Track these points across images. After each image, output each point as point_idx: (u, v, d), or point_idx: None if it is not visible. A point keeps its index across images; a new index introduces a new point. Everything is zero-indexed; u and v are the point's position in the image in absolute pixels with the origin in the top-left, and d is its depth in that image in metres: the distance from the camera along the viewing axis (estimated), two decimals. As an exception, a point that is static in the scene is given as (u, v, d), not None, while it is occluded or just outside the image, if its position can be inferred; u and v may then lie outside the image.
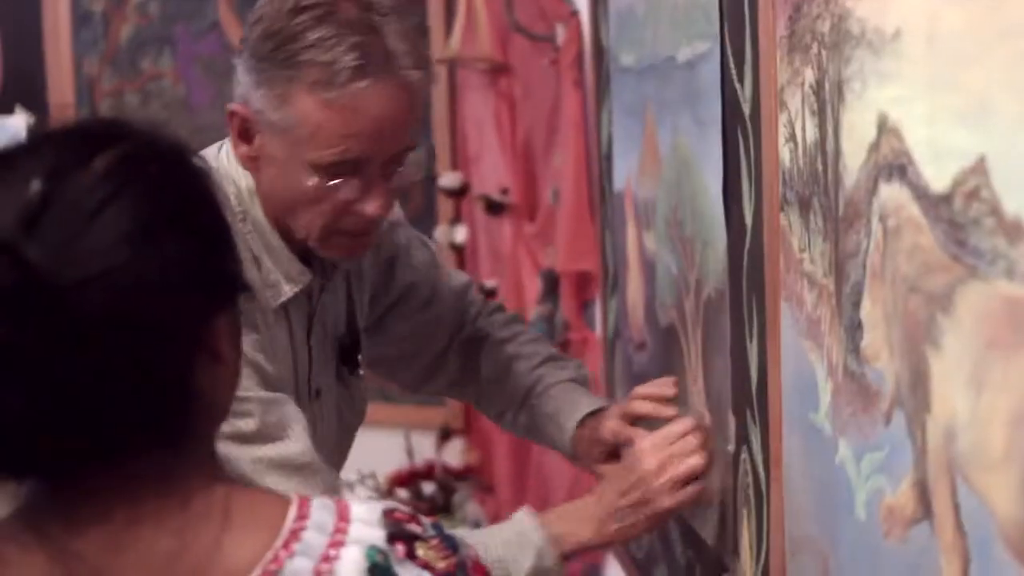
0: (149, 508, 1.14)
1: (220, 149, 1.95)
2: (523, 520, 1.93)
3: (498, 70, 3.88)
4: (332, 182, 1.83)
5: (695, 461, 1.96)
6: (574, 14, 3.08)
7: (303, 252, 1.94)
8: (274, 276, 1.92)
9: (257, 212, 1.91)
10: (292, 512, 1.18)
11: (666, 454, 1.95)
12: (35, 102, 4.69)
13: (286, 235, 1.91)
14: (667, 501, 1.95)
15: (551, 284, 3.36)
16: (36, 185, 1.08)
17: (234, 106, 1.87)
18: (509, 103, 3.84)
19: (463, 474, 4.49)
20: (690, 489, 1.96)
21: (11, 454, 1.11)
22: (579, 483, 3.25)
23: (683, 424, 1.99)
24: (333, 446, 2.08)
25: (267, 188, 1.89)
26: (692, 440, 1.96)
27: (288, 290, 1.93)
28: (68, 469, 1.12)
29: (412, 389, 2.45)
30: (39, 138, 1.16)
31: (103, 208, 1.09)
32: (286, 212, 1.88)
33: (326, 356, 2.06)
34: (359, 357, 2.13)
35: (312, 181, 1.83)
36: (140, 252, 1.10)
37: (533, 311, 3.48)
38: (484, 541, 1.85)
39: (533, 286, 3.55)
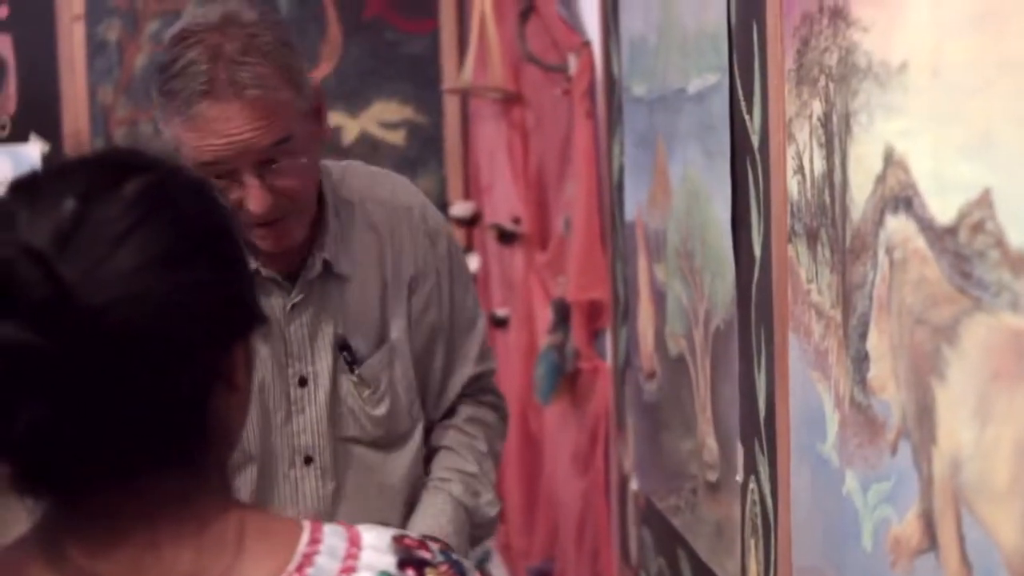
0: (166, 531, 1.15)
1: None
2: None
3: (510, 100, 3.89)
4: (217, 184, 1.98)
5: None
6: (586, 44, 3.09)
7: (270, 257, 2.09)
8: None
9: None
10: (304, 537, 1.19)
11: None
12: (50, 130, 4.71)
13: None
14: None
15: (562, 313, 3.37)
16: (70, 204, 1.10)
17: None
18: (521, 133, 3.85)
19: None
20: None
21: (31, 468, 1.12)
22: (589, 511, 3.25)
23: None
24: (324, 440, 2.15)
25: None
26: None
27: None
28: (86, 487, 1.13)
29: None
30: (69, 163, 1.18)
31: (132, 232, 1.11)
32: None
33: (317, 349, 2.15)
34: (353, 356, 2.16)
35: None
36: (166, 278, 1.12)
37: (544, 340, 3.48)
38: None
39: (544, 315, 3.56)
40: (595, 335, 3.28)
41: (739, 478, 1.92)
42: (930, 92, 1.18)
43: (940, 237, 1.16)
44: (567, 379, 3.39)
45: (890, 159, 1.28)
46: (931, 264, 1.18)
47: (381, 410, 2.19)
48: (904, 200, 1.24)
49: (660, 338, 2.40)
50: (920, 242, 1.20)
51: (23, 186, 1.16)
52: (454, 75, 4.40)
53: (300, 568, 1.17)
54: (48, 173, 1.17)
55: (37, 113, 4.71)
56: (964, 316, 1.12)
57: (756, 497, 1.85)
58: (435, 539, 1.60)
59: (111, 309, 1.09)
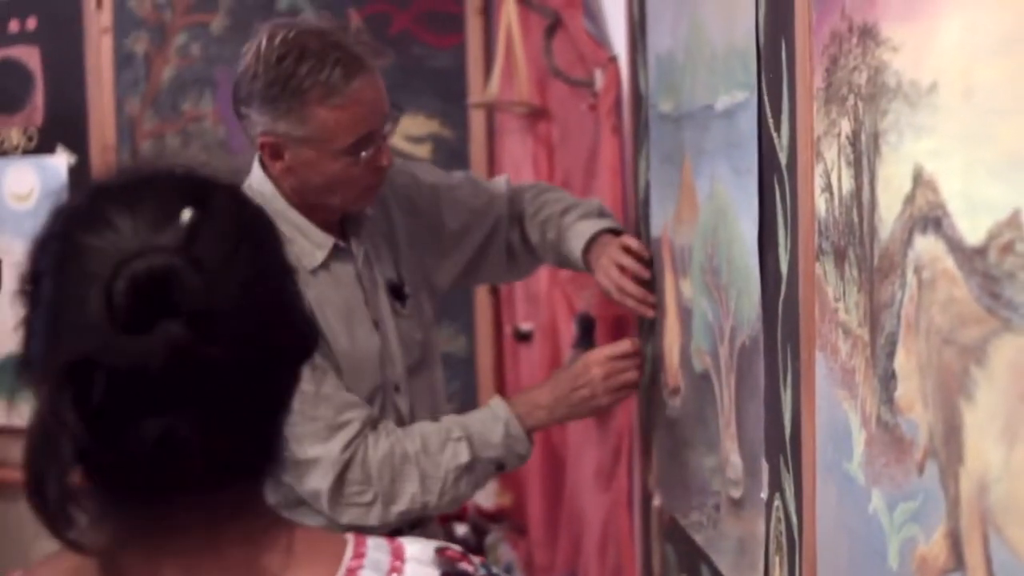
0: (223, 542, 1.16)
1: (247, 184, 2.52)
2: (495, 402, 2.67)
3: (536, 114, 3.90)
4: (359, 155, 2.45)
5: (631, 376, 2.68)
6: (613, 60, 3.09)
7: (326, 226, 2.57)
8: (308, 247, 2.54)
9: (282, 206, 2.51)
10: (349, 551, 1.20)
11: (611, 367, 2.66)
12: (76, 142, 4.73)
13: (309, 216, 2.54)
14: (605, 400, 2.69)
15: (586, 328, 3.36)
16: (188, 215, 1.11)
17: (262, 138, 2.47)
18: (547, 147, 3.86)
19: (495, 516, 4.49)
20: (622, 394, 2.70)
21: (127, 475, 1.12)
22: (612, 527, 3.25)
23: (625, 346, 2.68)
24: (402, 365, 2.65)
25: (302, 184, 2.51)
26: (631, 361, 2.66)
27: (320, 255, 2.55)
28: (162, 495, 1.14)
29: (505, 279, 3.25)
30: (150, 173, 1.20)
31: (240, 245, 1.14)
32: (321, 195, 2.52)
33: (378, 295, 2.64)
34: (406, 291, 2.68)
35: (342, 162, 2.46)
36: (270, 289, 1.15)
37: (568, 354, 3.48)
38: (464, 421, 2.61)
39: (568, 329, 3.56)
40: (619, 350, 3.27)
41: (764, 495, 1.92)
42: (961, 113, 1.18)
43: (969, 257, 1.16)
44: (591, 394, 3.38)
45: (919, 179, 1.28)
46: (960, 284, 1.18)
47: (419, 335, 2.70)
48: (933, 220, 1.24)
49: (685, 354, 2.40)
50: (949, 262, 1.20)
51: (104, 192, 1.17)
52: (480, 89, 4.41)
53: None
54: (129, 182, 1.18)
55: (64, 125, 4.74)
56: (993, 337, 1.12)
57: (781, 514, 1.85)
58: (475, 553, 1.63)
59: (240, 317, 1.11)
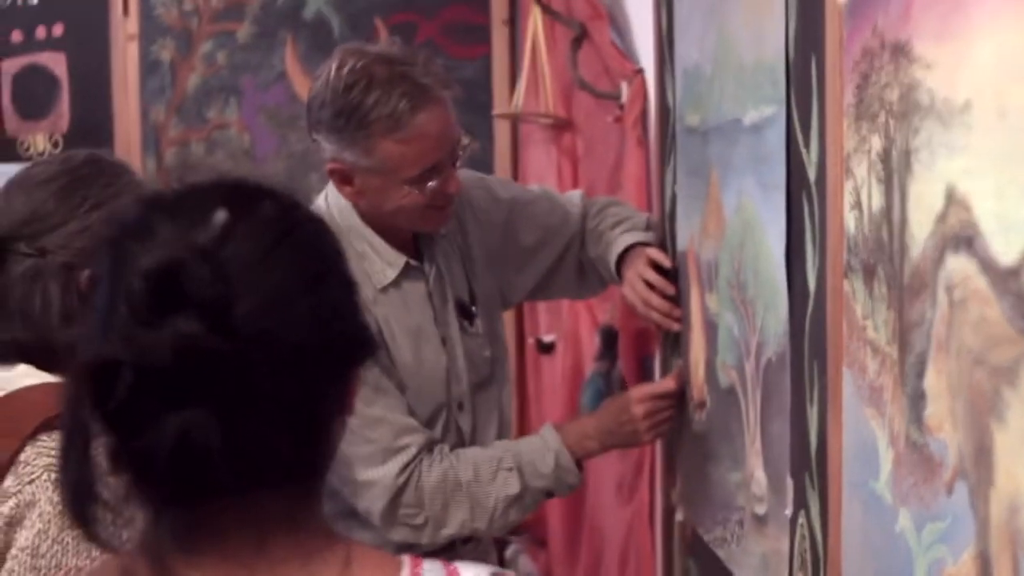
0: (274, 551, 1.17)
1: (323, 195, 2.63)
2: (546, 431, 2.67)
3: (561, 126, 3.90)
4: (425, 185, 2.48)
5: (669, 414, 2.67)
6: (639, 72, 3.09)
7: (399, 243, 2.60)
8: (379, 264, 2.59)
9: (356, 222, 2.57)
10: (405, 572, 1.20)
11: (651, 406, 2.66)
12: (101, 148, 4.74)
13: (382, 234, 2.58)
14: (646, 437, 2.71)
15: (610, 340, 3.36)
16: (221, 216, 1.13)
17: (331, 165, 2.51)
18: (571, 159, 3.85)
19: (516, 528, 4.48)
20: (663, 430, 2.70)
21: (160, 475, 1.13)
22: (633, 541, 3.24)
23: (668, 385, 2.68)
24: (468, 385, 2.68)
25: (372, 208, 2.55)
26: (671, 400, 2.65)
27: (391, 272, 2.59)
28: (203, 498, 1.15)
29: (577, 295, 3.17)
30: (200, 185, 1.21)
31: (275, 249, 1.15)
32: (391, 219, 2.55)
33: (447, 313, 2.67)
34: (473, 310, 2.71)
35: (408, 191, 2.49)
36: (307, 294, 1.16)
37: (590, 367, 3.48)
38: (516, 449, 2.62)
39: (591, 341, 3.55)
40: (642, 362, 3.27)
41: (788, 512, 1.91)
42: (995, 132, 1.18)
43: (1002, 278, 1.15)
44: (613, 406, 3.38)
45: (952, 198, 1.27)
46: (992, 305, 1.17)
47: (488, 351, 2.73)
48: (965, 240, 1.24)
49: (711, 368, 2.39)
50: (981, 282, 1.20)
51: (156, 201, 1.19)
52: (505, 100, 4.41)
53: None
54: (181, 192, 1.20)
55: (89, 131, 4.75)
56: (1026, 358, 1.11)
57: (806, 531, 1.84)
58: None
59: (265, 316, 1.12)
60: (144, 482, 1.14)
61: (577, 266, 2.85)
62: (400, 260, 2.60)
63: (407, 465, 2.53)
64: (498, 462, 2.60)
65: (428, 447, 2.57)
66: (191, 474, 1.12)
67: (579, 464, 2.65)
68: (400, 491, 2.53)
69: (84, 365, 1.12)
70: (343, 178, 2.52)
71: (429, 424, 2.62)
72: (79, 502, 1.15)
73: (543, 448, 2.62)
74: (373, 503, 2.54)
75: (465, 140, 2.57)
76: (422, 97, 2.43)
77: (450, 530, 2.57)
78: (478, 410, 2.71)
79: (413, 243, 2.64)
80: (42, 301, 1.98)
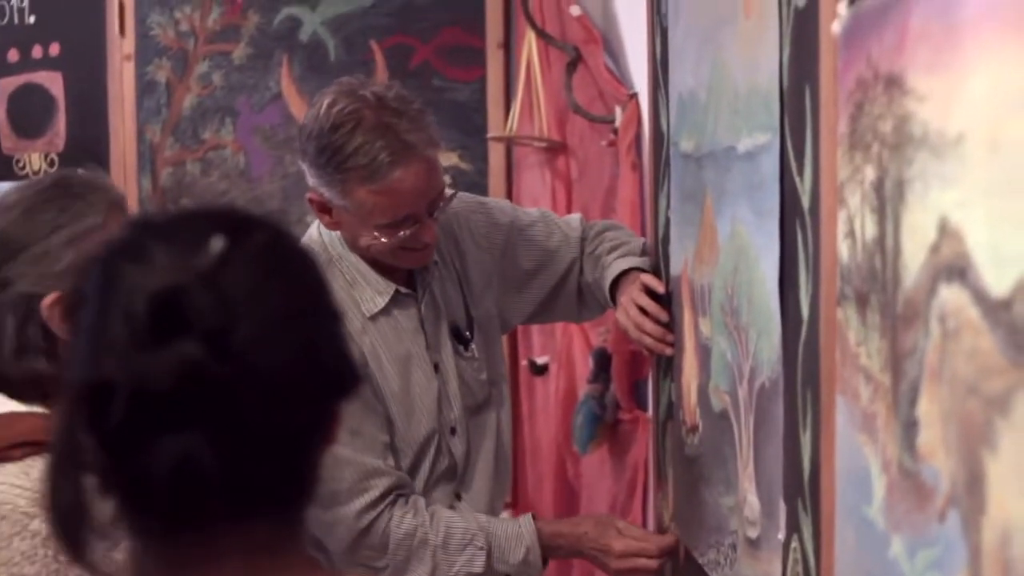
0: (258, 574, 1.17)
1: (316, 223, 2.67)
2: (524, 522, 2.69)
3: (555, 149, 3.92)
4: (396, 233, 2.51)
5: (646, 565, 2.68)
6: (633, 96, 3.11)
7: (390, 271, 2.63)
8: (369, 292, 2.62)
9: (346, 252, 2.62)
10: None
11: (634, 548, 2.67)
12: (88, 165, 4.74)
13: (372, 262, 2.61)
14: (614, 568, 2.68)
15: (603, 363, 3.38)
16: (218, 243, 1.14)
17: (310, 195, 2.57)
18: (565, 182, 3.87)
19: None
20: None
21: (150, 502, 1.14)
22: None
23: (660, 543, 2.70)
24: (461, 410, 2.71)
25: (349, 240, 2.60)
26: (652, 561, 2.68)
27: (380, 300, 2.62)
28: (190, 526, 1.15)
29: (577, 319, 3.13)
30: (192, 210, 1.23)
31: (270, 278, 1.16)
32: (366, 253, 2.58)
33: (440, 338, 2.69)
34: (467, 335, 2.73)
35: (379, 236, 2.53)
36: (301, 323, 1.17)
37: (584, 389, 3.49)
38: (490, 530, 2.63)
39: (584, 363, 3.57)
40: (635, 385, 3.28)
41: (781, 536, 1.92)
42: (987, 165, 1.19)
43: (994, 309, 1.17)
44: (606, 428, 3.40)
45: (945, 229, 1.29)
46: (985, 335, 1.19)
47: (485, 374, 2.75)
48: (958, 271, 1.25)
49: (703, 392, 2.41)
50: (974, 313, 1.21)
51: (148, 224, 1.20)
52: (500, 123, 4.43)
53: None
54: (174, 216, 1.21)
55: (85, 151, 4.75)
56: (1018, 388, 1.13)
57: (799, 555, 1.85)
58: None
59: (260, 343, 1.13)
60: (136, 506, 1.15)
61: (577, 290, 2.87)
62: (390, 288, 2.64)
63: (369, 506, 2.58)
64: (471, 537, 2.63)
65: (399, 491, 2.61)
66: (187, 499, 1.13)
67: (545, 562, 2.71)
68: (364, 533, 2.58)
69: (78, 387, 1.13)
70: (321, 208, 2.57)
71: (421, 449, 2.65)
72: (70, 526, 1.15)
73: (517, 538, 2.66)
74: (336, 541, 2.58)
75: (449, 192, 2.62)
76: (403, 153, 2.46)
77: None
78: (472, 434, 2.73)
79: (406, 270, 2.67)
80: None
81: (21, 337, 1.97)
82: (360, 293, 2.61)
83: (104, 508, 1.15)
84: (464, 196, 2.79)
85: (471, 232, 2.78)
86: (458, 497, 2.74)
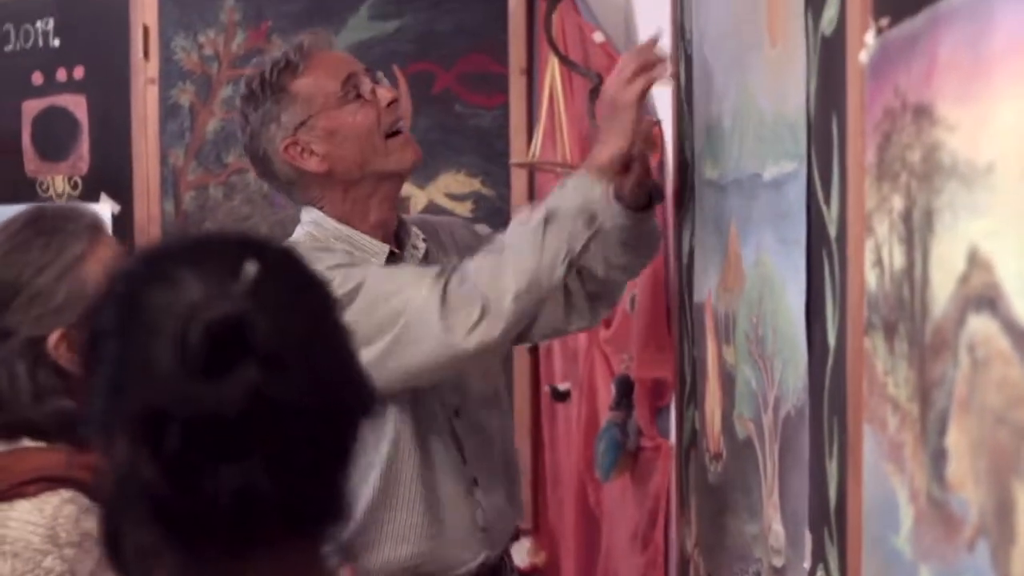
0: None
1: (299, 225, 2.73)
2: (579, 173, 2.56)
3: (578, 175, 3.91)
4: (356, 92, 2.63)
5: (636, 59, 2.53)
6: (657, 123, 3.11)
7: (381, 238, 2.69)
8: (364, 259, 2.63)
9: (333, 226, 2.66)
10: None
11: (617, 67, 2.57)
12: (120, 191, 4.77)
13: (361, 228, 2.66)
14: (626, 94, 2.50)
15: (625, 390, 3.37)
16: (252, 269, 1.14)
17: (286, 143, 2.63)
18: (588, 208, 3.86)
19: (530, 574, 4.48)
20: (640, 79, 2.50)
21: (199, 529, 1.14)
22: (647, 590, 3.25)
23: (629, 56, 2.60)
24: (463, 396, 2.73)
25: (346, 172, 2.65)
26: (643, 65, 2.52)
27: (376, 262, 2.65)
28: (230, 550, 1.16)
29: (565, 329, 2.86)
30: (207, 235, 1.25)
31: (297, 300, 1.16)
32: (365, 167, 2.65)
33: None
34: None
35: (352, 110, 2.62)
36: (330, 349, 1.17)
37: (606, 416, 3.49)
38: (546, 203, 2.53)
39: (607, 390, 3.57)
40: (657, 412, 3.28)
41: (807, 565, 1.92)
42: (1018, 194, 1.19)
43: (1025, 339, 1.17)
44: (628, 456, 3.39)
45: (974, 259, 1.28)
46: (1015, 365, 1.19)
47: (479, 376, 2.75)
48: (988, 300, 1.25)
49: (727, 420, 2.40)
50: (1004, 343, 1.21)
51: (166, 253, 1.20)
52: (522, 149, 4.43)
53: None
54: (191, 244, 1.22)
55: (109, 174, 4.79)
56: (1048, 419, 1.13)
57: (824, 585, 1.85)
58: None
59: (306, 366, 1.14)
60: (194, 533, 1.15)
61: (564, 297, 2.75)
62: (384, 248, 2.69)
63: (437, 276, 2.51)
64: (531, 218, 2.53)
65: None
66: (245, 525, 1.13)
67: (600, 176, 2.52)
68: (443, 300, 2.47)
69: (134, 421, 1.13)
70: (304, 149, 2.63)
71: (426, 428, 2.67)
72: (137, 560, 1.15)
73: (560, 188, 2.56)
74: (423, 339, 2.49)
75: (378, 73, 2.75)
76: (309, 41, 2.67)
77: (510, 295, 2.48)
78: (476, 426, 2.76)
79: (395, 238, 2.74)
80: (10, 384, 1.97)
81: (35, 382, 1.97)
82: (360, 261, 2.64)
83: (150, 533, 1.16)
84: (454, 219, 2.94)
85: (455, 242, 2.85)
86: (475, 482, 2.74)
